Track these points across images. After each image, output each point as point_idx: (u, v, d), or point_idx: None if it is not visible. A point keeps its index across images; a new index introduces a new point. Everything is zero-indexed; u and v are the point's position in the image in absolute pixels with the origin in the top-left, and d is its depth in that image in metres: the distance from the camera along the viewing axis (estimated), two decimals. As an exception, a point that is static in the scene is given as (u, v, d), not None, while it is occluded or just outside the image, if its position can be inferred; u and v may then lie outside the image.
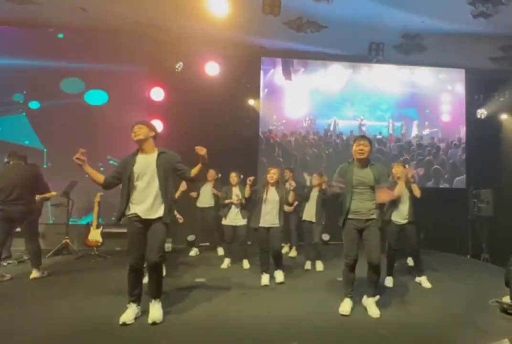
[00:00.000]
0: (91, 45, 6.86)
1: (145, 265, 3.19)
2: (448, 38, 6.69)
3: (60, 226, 6.09)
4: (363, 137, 3.59)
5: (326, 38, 6.87)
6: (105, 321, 3.09)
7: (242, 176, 5.52)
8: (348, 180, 3.44)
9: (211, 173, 6.06)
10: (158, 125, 6.83)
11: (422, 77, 7.87)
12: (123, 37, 6.88)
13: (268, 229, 4.43)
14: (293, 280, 4.56)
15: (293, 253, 6.06)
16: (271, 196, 4.48)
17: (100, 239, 5.82)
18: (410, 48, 7.20)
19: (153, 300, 3.17)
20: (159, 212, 3.14)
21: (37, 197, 4.87)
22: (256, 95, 7.61)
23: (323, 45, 7.25)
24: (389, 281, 4.41)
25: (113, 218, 3.28)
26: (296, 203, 4.91)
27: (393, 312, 3.45)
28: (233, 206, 5.39)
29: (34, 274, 4.48)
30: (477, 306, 3.69)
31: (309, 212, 5.22)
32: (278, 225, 4.44)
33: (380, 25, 6.41)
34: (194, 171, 3.20)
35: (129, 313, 3.09)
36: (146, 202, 3.12)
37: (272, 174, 4.51)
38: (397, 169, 4.48)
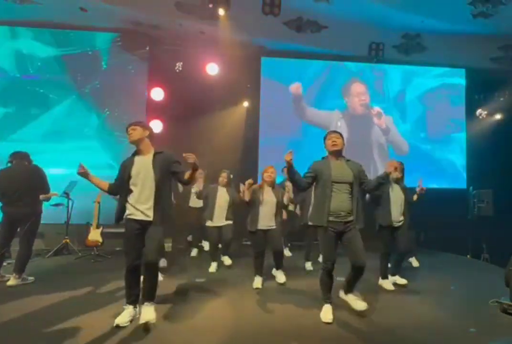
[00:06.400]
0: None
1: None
2: (448, 38, 6.71)
3: (60, 226, 6.09)
4: (334, 131, 3.44)
5: (326, 38, 6.88)
6: (104, 321, 3.09)
7: (232, 176, 5.26)
8: (326, 177, 3.20)
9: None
10: (158, 125, 6.85)
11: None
12: (123, 37, 6.89)
13: (266, 231, 4.26)
14: (293, 280, 4.55)
15: (287, 253, 6.00)
16: (268, 197, 4.25)
17: (100, 239, 5.82)
18: (410, 48, 7.21)
19: (146, 302, 3.10)
20: (156, 213, 3.11)
21: (40, 197, 4.87)
22: (256, 95, 7.62)
23: (323, 45, 7.27)
24: (387, 283, 4.28)
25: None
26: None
27: (393, 313, 3.45)
28: (217, 207, 5.05)
29: (12, 281, 4.12)
30: (477, 306, 3.69)
31: None
32: (275, 226, 4.28)
33: (380, 25, 6.42)
34: (187, 175, 3.16)
35: (125, 315, 3.08)
36: (143, 203, 3.11)
37: (270, 173, 4.26)
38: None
